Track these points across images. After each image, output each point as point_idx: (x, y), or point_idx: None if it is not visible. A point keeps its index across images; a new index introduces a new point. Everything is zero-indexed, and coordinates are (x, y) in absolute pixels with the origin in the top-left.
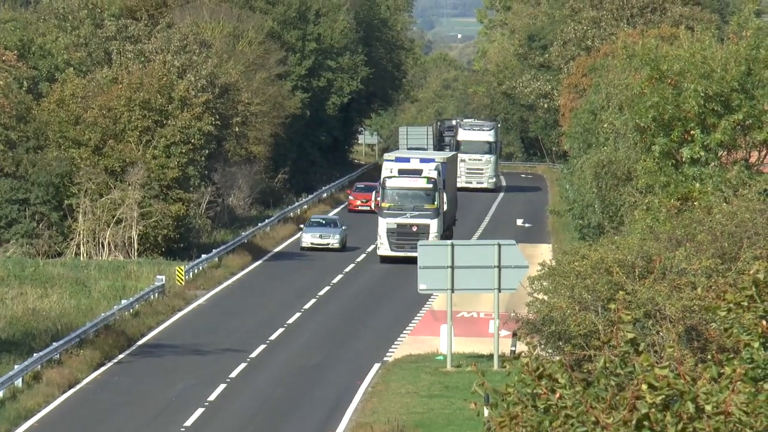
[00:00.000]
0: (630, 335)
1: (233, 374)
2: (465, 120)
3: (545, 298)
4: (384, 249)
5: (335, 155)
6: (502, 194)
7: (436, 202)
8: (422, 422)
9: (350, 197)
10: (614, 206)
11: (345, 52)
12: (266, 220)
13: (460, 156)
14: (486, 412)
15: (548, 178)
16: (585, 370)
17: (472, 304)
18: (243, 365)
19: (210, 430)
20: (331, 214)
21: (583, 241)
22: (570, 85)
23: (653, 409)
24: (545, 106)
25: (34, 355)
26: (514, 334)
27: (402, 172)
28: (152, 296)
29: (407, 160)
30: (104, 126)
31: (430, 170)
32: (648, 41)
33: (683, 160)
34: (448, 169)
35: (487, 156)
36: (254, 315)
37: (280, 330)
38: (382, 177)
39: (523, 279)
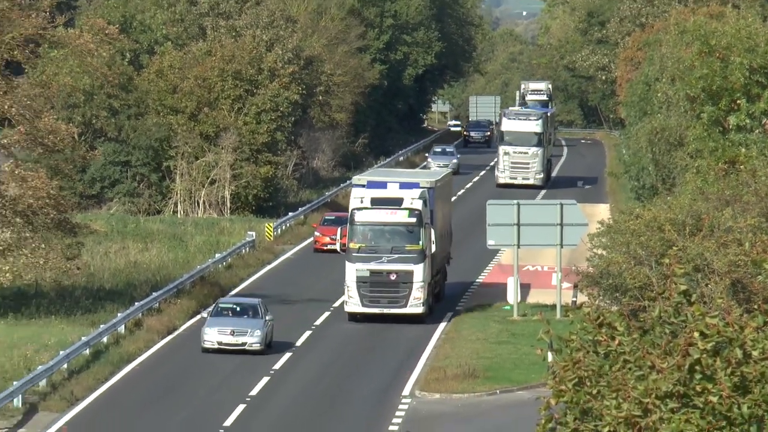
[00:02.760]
0: (682, 287)
1: (318, 322)
2: (510, 108)
3: (603, 253)
4: (353, 304)
5: (411, 122)
6: (563, 158)
7: (421, 242)
8: (491, 366)
9: (316, 233)
10: (667, 169)
11: (419, 27)
12: (347, 182)
13: (504, 148)
14: (550, 357)
15: (606, 143)
16: (641, 320)
17: (537, 259)
18: (326, 314)
19: (297, 371)
20: (247, 301)
21: (638, 202)
22: (626, 59)
23: (704, 355)
24: (603, 77)
25: (136, 304)
26: (575, 286)
27: (376, 202)
28: (243, 250)
29: (383, 185)
30: (199, 95)
31: (413, 199)
32: (698, 18)
33: (730, 127)
34: (442, 193)
35: (534, 149)
36: (337, 268)
37: None
38: (350, 208)
39: (583, 236)
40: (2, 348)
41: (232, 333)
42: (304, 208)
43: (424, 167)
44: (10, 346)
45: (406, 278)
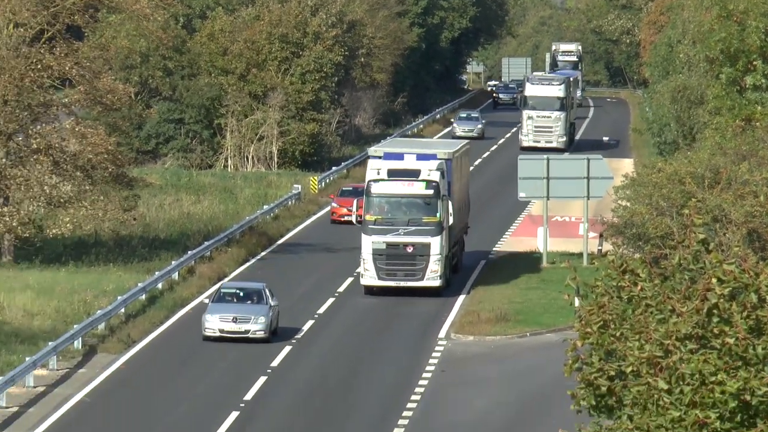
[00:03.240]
0: (701, 236)
1: (360, 269)
2: (534, 73)
3: (627, 204)
4: (369, 276)
5: (447, 82)
6: (589, 116)
7: (438, 214)
8: (521, 310)
9: (333, 204)
10: (687, 126)
11: None
12: (388, 138)
13: (527, 113)
14: (577, 302)
15: (630, 102)
16: (662, 267)
17: (565, 210)
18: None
19: (339, 316)
20: (251, 285)
21: (660, 156)
22: (649, 23)
23: (721, 300)
24: (627, 41)
25: (189, 252)
26: (601, 236)
27: (393, 174)
28: (290, 202)
29: (400, 156)
30: (248, 57)
31: (430, 171)
32: None
33: (746, 86)
34: (460, 164)
35: (557, 113)
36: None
37: None
38: (366, 180)
39: (609, 188)
40: (63, 293)
41: (235, 320)
42: (346, 162)
43: (451, 131)
44: (70, 291)
45: (423, 251)
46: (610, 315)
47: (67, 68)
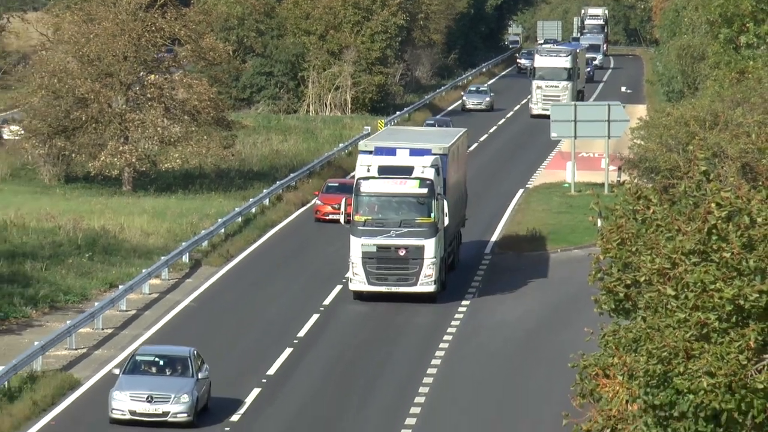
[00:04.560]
0: (703, 168)
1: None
2: (543, 45)
3: (641, 143)
4: (358, 281)
5: (491, 41)
6: (610, 71)
7: (432, 214)
8: (553, 231)
9: (317, 201)
10: (691, 78)
11: None
12: (442, 87)
13: (536, 82)
14: (599, 223)
15: (644, 58)
16: (670, 194)
17: (589, 147)
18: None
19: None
20: (174, 351)
21: (668, 103)
22: None
23: (720, 221)
24: (642, 6)
25: (277, 182)
26: (619, 168)
27: (384, 171)
28: (361, 141)
29: (392, 151)
30: (326, 20)
31: (424, 168)
32: None
33: (741, 45)
34: (456, 156)
35: (564, 83)
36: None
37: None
38: (355, 178)
39: (626, 129)
40: (173, 216)
41: (150, 399)
42: (408, 108)
43: (461, 104)
44: (179, 215)
45: (417, 254)
46: (626, 234)
47: (176, 30)
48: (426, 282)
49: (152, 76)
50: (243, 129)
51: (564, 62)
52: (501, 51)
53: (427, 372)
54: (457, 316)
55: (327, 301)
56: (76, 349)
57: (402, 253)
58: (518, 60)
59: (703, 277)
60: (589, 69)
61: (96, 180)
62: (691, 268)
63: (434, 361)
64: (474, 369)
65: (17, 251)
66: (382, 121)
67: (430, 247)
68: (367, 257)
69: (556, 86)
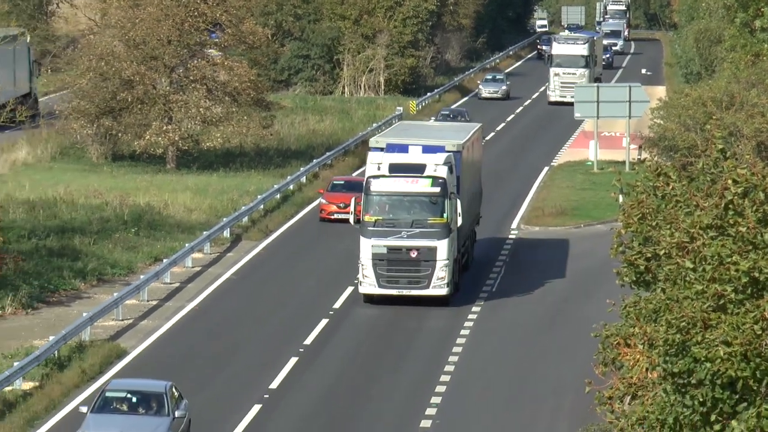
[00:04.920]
0: (720, 146)
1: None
2: (560, 33)
3: (661, 122)
4: (368, 284)
5: (518, 25)
6: (629, 56)
7: (445, 214)
8: (577, 206)
9: (322, 200)
10: (708, 60)
11: None
12: (470, 70)
13: (554, 70)
14: (621, 199)
15: (663, 41)
16: (689, 171)
17: (611, 127)
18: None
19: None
20: (148, 386)
21: (686, 84)
22: None
23: (736, 197)
24: None
25: (314, 160)
26: (640, 147)
27: (395, 169)
28: (394, 120)
29: (404, 148)
30: (361, 5)
31: (437, 166)
32: None
33: (756, 28)
34: (471, 152)
35: (581, 70)
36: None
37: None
38: (365, 176)
39: (646, 110)
40: (215, 193)
41: None
42: (438, 89)
43: (477, 93)
44: (220, 192)
45: (429, 255)
46: (647, 209)
47: (218, 15)
48: (438, 285)
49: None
50: (281, 110)
51: (581, 50)
52: (527, 35)
53: (460, 335)
54: (481, 295)
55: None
56: (122, 320)
57: (414, 254)
58: (539, 46)
59: (720, 251)
60: (608, 55)
61: (141, 158)
62: (708, 242)
63: (463, 332)
64: (498, 341)
65: (67, 227)
66: (414, 101)
67: (442, 248)
68: (377, 259)
69: (573, 73)
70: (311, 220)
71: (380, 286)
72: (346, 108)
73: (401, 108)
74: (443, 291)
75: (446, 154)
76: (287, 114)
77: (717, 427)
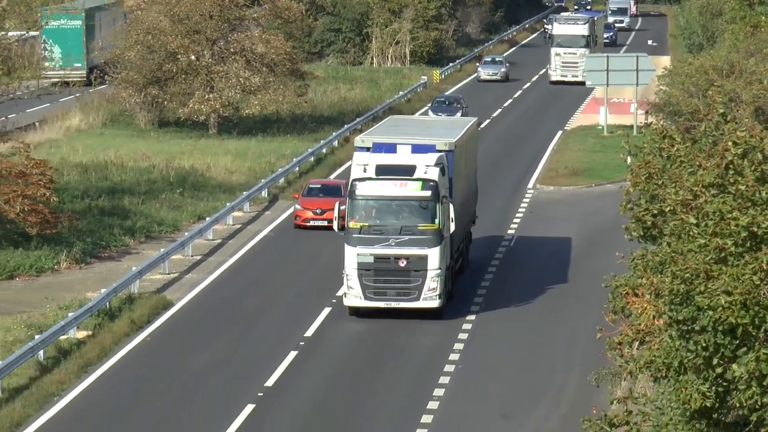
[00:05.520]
0: (721, 111)
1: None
2: (561, 14)
3: (666, 89)
4: (353, 296)
5: (533, 0)
6: (634, 33)
7: (437, 220)
8: (588, 168)
9: (297, 206)
10: (710, 31)
11: None
12: (489, 42)
13: (555, 50)
14: (629, 160)
15: (668, 14)
16: (692, 134)
17: (619, 94)
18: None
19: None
20: None
21: (690, 54)
22: None
23: (736, 157)
24: None
25: (345, 126)
26: (647, 112)
27: (382, 171)
28: (418, 89)
29: (392, 148)
30: None
31: (427, 167)
32: None
33: (755, 1)
34: (465, 150)
35: (581, 50)
36: (483, 97)
37: (498, 111)
38: (350, 179)
39: (652, 77)
40: (254, 156)
41: None
42: (459, 60)
43: (476, 76)
44: (259, 155)
45: (419, 265)
46: (653, 169)
47: None
48: (430, 296)
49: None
50: (314, 79)
51: (581, 30)
52: (542, 9)
53: (480, 286)
54: (500, 249)
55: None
56: (168, 274)
57: (402, 264)
58: (545, 26)
59: (721, 207)
60: (611, 33)
61: (185, 125)
62: (710, 199)
63: (483, 284)
64: (514, 293)
65: (117, 188)
66: (437, 71)
67: (434, 257)
68: (363, 269)
69: (574, 53)
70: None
71: (366, 298)
72: (375, 77)
73: (425, 77)
74: (435, 303)
75: (438, 154)
76: (320, 83)
77: (719, 370)
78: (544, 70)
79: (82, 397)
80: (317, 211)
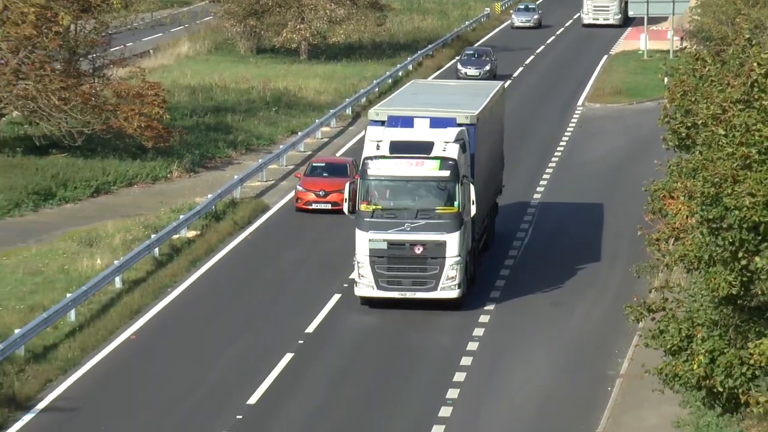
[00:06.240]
0: (747, 36)
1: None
2: None
3: (698, 18)
4: (365, 285)
5: None
6: None
7: (456, 203)
8: (631, 87)
9: (298, 186)
10: None
11: None
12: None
13: None
14: (666, 80)
15: None
16: (721, 57)
17: (659, 22)
18: (531, 58)
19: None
20: None
21: None
22: None
23: (760, 76)
24: None
25: (418, 51)
26: (681, 38)
27: (396, 149)
28: (482, 19)
29: (408, 122)
30: None
31: (447, 144)
32: None
33: None
34: (489, 118)
35: None
36: (521, 41)
37: (540, 49)
38: (362, 157)
39: (686, 8)
40: (339, 79)
41: None
42: None
43: (510, 23)
44: (343, 78)
45: (437, 252)
46: (687, 87)
47: None
48: (448, 286)
49: None
50: (391, 11)
51: None
52: None
53: (533, 198)
54: (555, 154)
55: None
56: (265, 181)
57: (419, 250)
58: None
59: (747, 120)
60: None
61: (280, 51)
62: (737, 113)
63: (538, 188)
64: (568, 193)
65: (220, 107)
66: (498, 4)
67: (453, 243)
68: (375, 256)
69: None
70: None
71: (379, 287)
72: (444, 9)
73: (488, 9)
74: (454, 293)
75: (458, 129)
76: (396, 14)
77: (743, 262)
78: (576, 15)
79: (191, 289)
80: (320, 193)
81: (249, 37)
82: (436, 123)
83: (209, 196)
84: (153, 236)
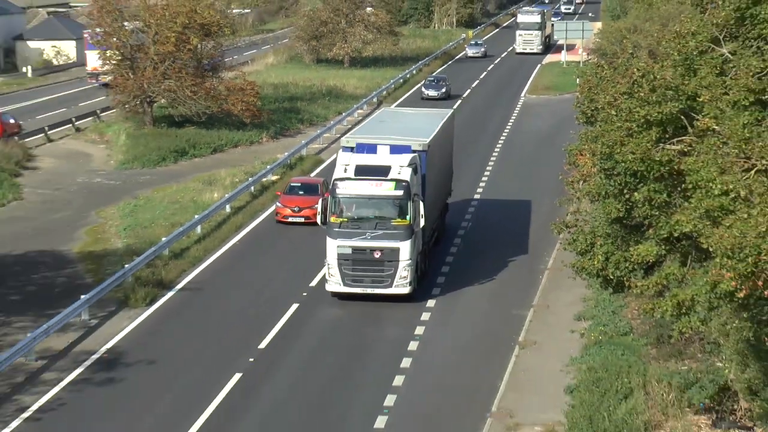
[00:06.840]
0: (630, 52)
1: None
2: (523, 8)
3: (598, 40)
4: (334, 282)
5: None
6: (580, 13)
7: (408, 216)
8: (555, 85)
9: (278, 203)
10: (625, 8)
11: None
12: (501, 13)
13: (519, 32)
14: (578, 80)
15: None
16: (614, 65)
17: (573, 43)
18: (490, 68)
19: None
20: None
21: (612, 21)
22: None
23: (638, 77)
24: None
25: (419, 62)
26: (587, 53)
27: (360, 171)
28: (460, 41)
29: (373, 148)
30: None
31: (401, 168)
32: None
33: None
34: (440, 142)
35: (536, 31)
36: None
37: (490, 67)
38: (333, 178)
39: (591, 34)
40: (369, 79)
41: None
42: (481, 25)
43: (464, 54)
44: (371, 78)
45: (392, 256)
46: (592, 84)
47: None
48: (401, 284)
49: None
50: (402, 36)
51: (536, 18)
52: None
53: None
54: (501, 138)
55: None
56: (322, 144)
57: (377, 255)
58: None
59: (630, 105)
60: (559, 18)
61: (331, 61)
62: (623, 100)
63: (495, 153)
64: (507, 153)
65: (293, 97)
66: (471, 32)
67: (405, 249)
68: (342, 259)
69: (530, 33)
70: (415, 94)
71: (345, 284)
72: (435, 35)
73: (465, 34)
74: (405, 290)
75: (411, 155)
76: (405, 38)
77: (627, 196)
78: (511, 48)
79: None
80: (295, 209)
81: (311, 52)
82: (395, 150)
83: (285, 153)
84: (250, 179)
